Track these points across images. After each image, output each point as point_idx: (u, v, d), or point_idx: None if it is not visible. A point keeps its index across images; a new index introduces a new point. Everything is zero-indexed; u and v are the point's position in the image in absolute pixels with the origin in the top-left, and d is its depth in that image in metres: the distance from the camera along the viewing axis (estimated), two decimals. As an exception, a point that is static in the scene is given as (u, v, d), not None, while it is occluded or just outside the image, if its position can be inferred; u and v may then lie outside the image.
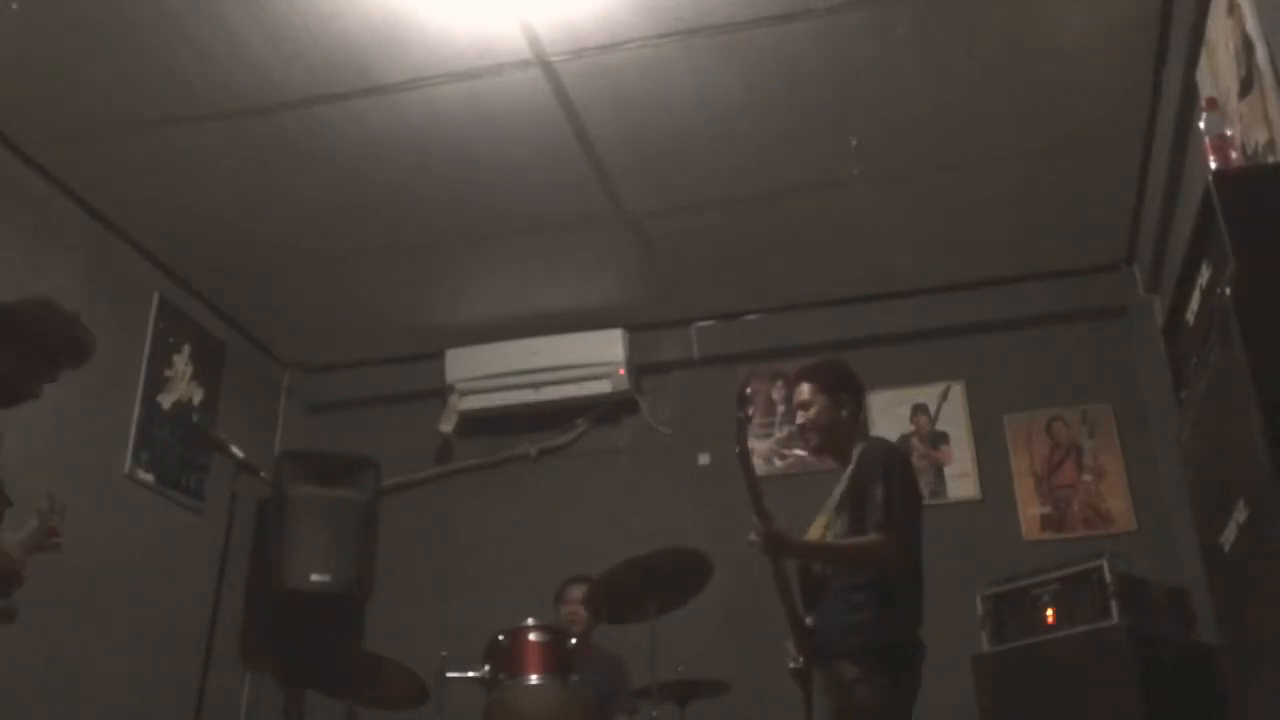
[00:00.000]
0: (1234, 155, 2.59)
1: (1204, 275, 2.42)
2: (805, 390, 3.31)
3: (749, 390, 3.15)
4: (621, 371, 5.47)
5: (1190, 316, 2.58)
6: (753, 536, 3.03)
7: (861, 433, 3.33)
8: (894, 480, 3.04)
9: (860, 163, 4.36)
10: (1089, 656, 3.77)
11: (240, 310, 5.52)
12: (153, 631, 4.62)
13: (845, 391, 3.30)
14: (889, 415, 5.24)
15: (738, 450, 3.08)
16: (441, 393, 5.66)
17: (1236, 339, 2.15)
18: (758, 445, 5.38)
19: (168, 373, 5.04)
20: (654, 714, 3.95)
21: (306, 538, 5.01)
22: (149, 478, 4.83)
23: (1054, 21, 3.81)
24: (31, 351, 3.08)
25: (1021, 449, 5.15)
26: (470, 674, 4.10)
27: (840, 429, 3.27)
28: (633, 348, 5.56)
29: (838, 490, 3.20)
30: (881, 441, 3.30)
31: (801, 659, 3.06)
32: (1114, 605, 3.79)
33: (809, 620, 3.07)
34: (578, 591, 4.57)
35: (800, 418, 3.32)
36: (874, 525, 2.99)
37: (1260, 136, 2.97)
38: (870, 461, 3.12)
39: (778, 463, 5.38)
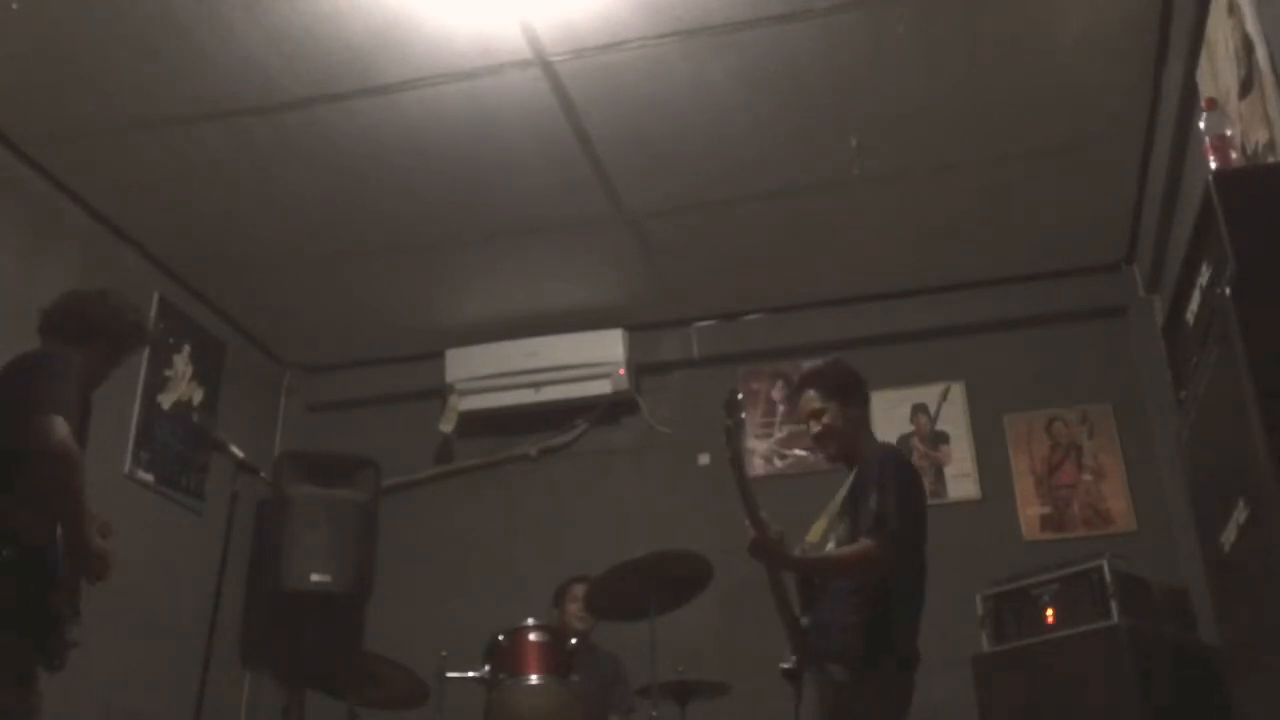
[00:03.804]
0: (1234, 155, 2.59)
1: (1204, 275, 2.42)
2: (813, 398, 3.28)
3: (739, 397, 3.12)
4: (621, 371, 5.47)
5: (1190, 316, 2.57)
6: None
7: (867, 435, 3.32)
8: (890, 486, 3.02)
9: (860, 163, 4.36)
10: (1089, 656, 3.77)
11: (240, 310, 5.52)
12: (153, 632, 4.62)
13: (852, 393, 3.29)
14: (889, 415, 5.23)
15: (729, 457, 3.07)
16: (441, 393, 5.66)
17: (1236, 339, 2.15)
18: (758, 445, 5.39)
19: (168, 373, 5.04)
20: (654, 714, 3.95)
21: (306, 538, 5.01)
22: (149, 478, 4.83)
23: (1054, 21, 3.81)
24: (101, 341, 3.22)
25: (1021, 449, 5.15)
26: (470, 674, 4.11)
27: (851, 432, 3.26)
28: (633, 348, 5.56)
29: (841, 493, 3.19)
30: (884, 446, 3.29)
31: (795, 659, 3.05)
32: (1114, 605, 3.79)
33: (804, 621, 3.07)
34: (580, 590, 4.58)
35: (814, 427, 3.28)
36: (865, 531, 2.98)
37: (1260, 136, 2.97)
38: (871, 467, 3.11)
39: (778, 462, 5.38)
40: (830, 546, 3.13)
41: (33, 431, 2.82)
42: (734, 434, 3.07)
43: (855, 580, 3.00)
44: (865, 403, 3.32)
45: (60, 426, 2.83)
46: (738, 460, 3.08)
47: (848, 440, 3.25)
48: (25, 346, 4.25)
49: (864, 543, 2.96)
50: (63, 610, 2.94)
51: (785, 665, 3.07)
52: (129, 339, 3.35)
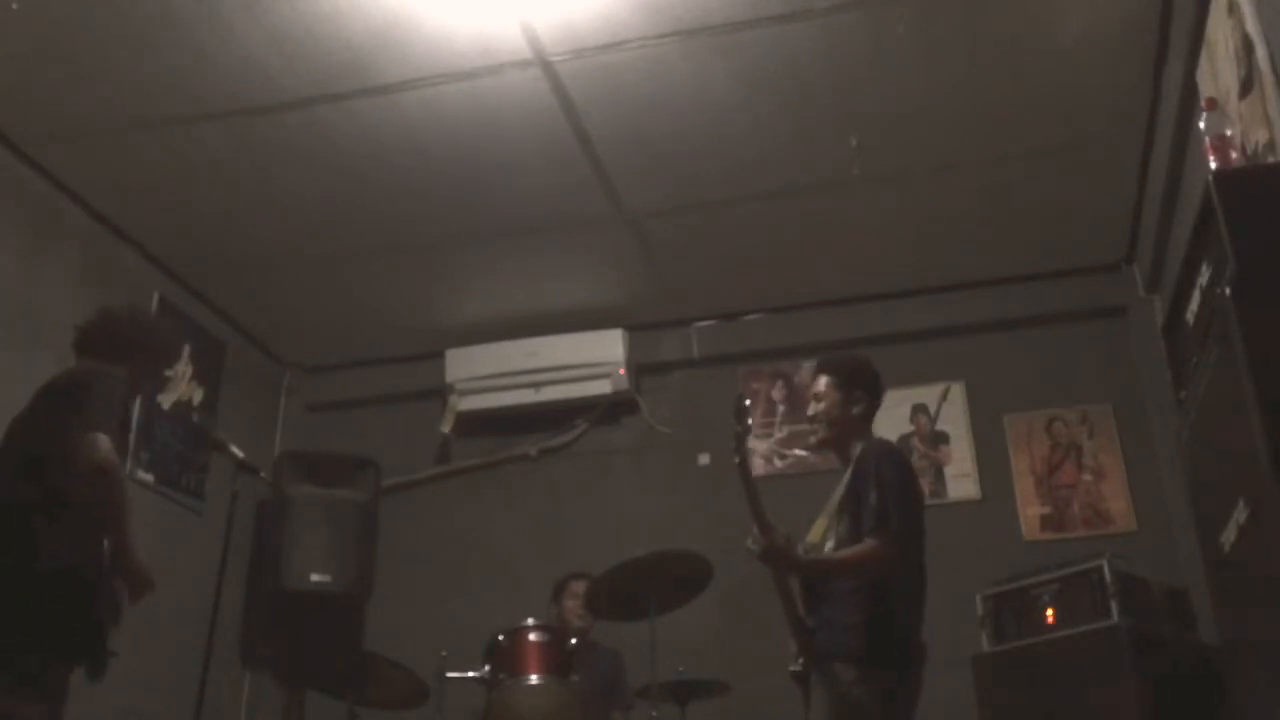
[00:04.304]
0: (1234, 155, 2.59)
1: (1204, 275, 2.42)
2: (822, 382, 3.30)
3: (747, 403, 3.13)
4: (621, 371, 5.47)
5: (1190, 316, 2.57)
6: (750, 544, 3.03)
7: (864, 433, 3.32)
8: (888, 482, 3.02)
9: (860, 163, 4.36)
10: (1089, 656, 3.77)
11: (240, 310, 5.52)
12: (153, 632, 4.61)
13: (861, 389, 3.28)
14: (889, 415, 5.16)
15: (737, 461, 3.07)
16: (441, 393, 5.66)
17: (1236, 339, 2.15)
18: (758, 445, 5.38)
19: (167, 373, 5.04)
20: (654, 714, 3.95)
21: (306, 538, 5.01)
22: (149, 478, 4.83)
23: (1054, 21, 3.82)
24: (136, 357, 3.30)
25: (1021, 449, 5.15)
26: (470, 674, 4.11)
27: (848, 426, 3.25)
28: (633, 348, 5.56)
29: (838, 491, 3.20)
30: (879, 442, 3.28)
31: (802, 661, 3.06)
32: (1114, 605, 3.79)
33: (810, 622, 3.07)
34: (580, 587, 4.57)
35: (811, 408, 3.32)
36: (868, 530, 2.98)
37: (1260, 136, 2.97)
38: (866, 463, 3.11)
39: (778, 462, 5.38)
40: (830, 545, 3.13)
41: (76, 449, 2.89)
42: (742, 440, 3.08)
43: (858, 579, 3.00)
44: (872, 404, 3.31)
45: (104, 444, 2.90)
46: (745, 465, 3.08)
47: (840, 431, 3.26)
48: (25, 346, 4.27)
49: (868, 542, 2.96)
50: (105, 621, 3.02)
51: (794, 667, 3.07)
52: (161, 354, 3.49)
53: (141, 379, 3.39)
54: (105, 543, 3.02)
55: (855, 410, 3.26)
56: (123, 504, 2.98)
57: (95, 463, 2.88)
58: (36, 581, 2.89)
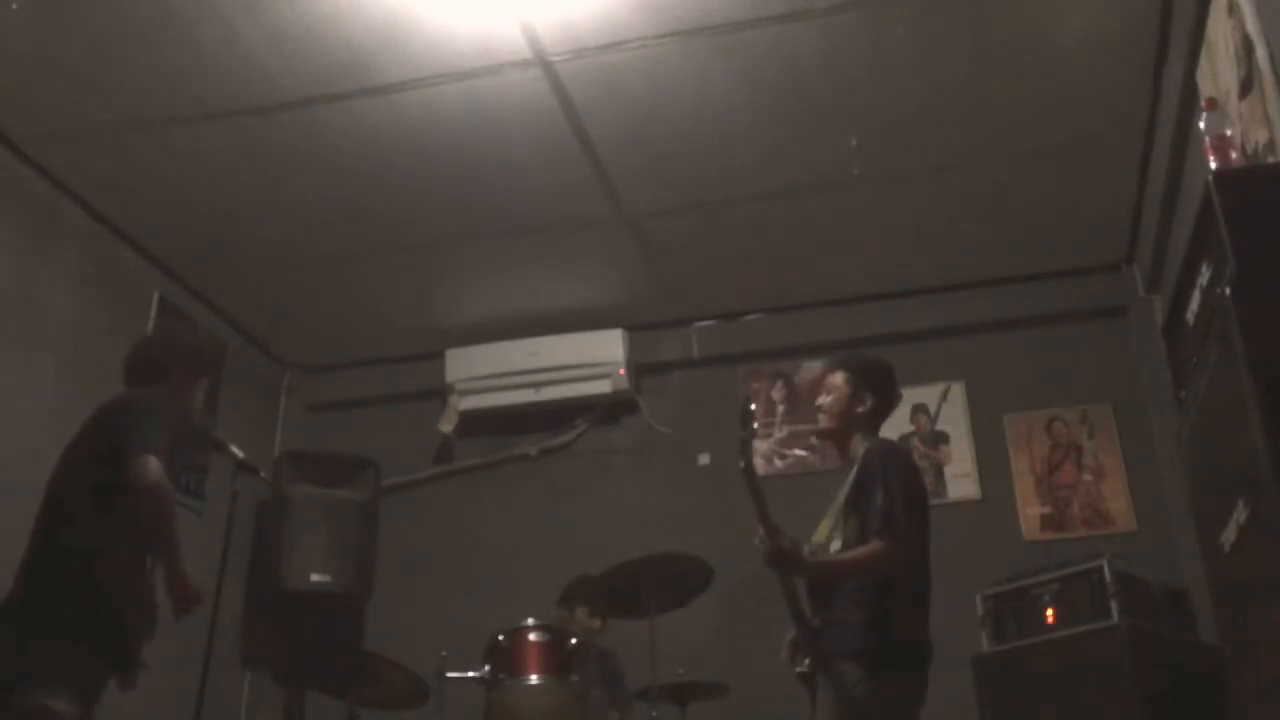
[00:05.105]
0: (1234, 155, 2.59)
1: (1204, 275, 2.42)
2: (836, 377, 3.31)
3: (752, 407, 3.13)
4: (621, 371, 5.47)
5: (1190, 316, 2.58)
6: (758, 544, 3.03)
7: (868, 433, 3.31)
8: (894, 482, 3.02)
9: (860, 163, 4.37)
10: (1089, 656, 3.77)
11: (240, 310, 5.52)
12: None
13: (869, 391, 3.27)
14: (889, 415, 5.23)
15: (742, 465, 3.06)
16: (441, 393, 5.67)
17: (1236, 339, 2.15)
18: (758, 445, 5.38)
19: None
20: (654, 714, 3.95)
21: (306, 538, 5.01)
22: (149, 478, 4.82)
23: (1054, 21, 3.82)
24: (173, 374, 3.40)
25: (1021, 449, 5.15)
26: (470, 674, 4.11)
27: (851, 422, 3.25)
28: (633, 348, 5.57)
29: (843, 492, 3.19)
30: (884, 442, 3.28)
31: (807, 662, 3.05)
32: (1114, 605, 3.79)
33: (815, 622, 3.07)
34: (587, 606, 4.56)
35: (820, 399, 3.33)
36: (874, 531, 2.98)
37: (1260, 136, 2.98)
38: (872, 463, 3.11)
39: (778, 463, 5.38)
40: (836, 545, 3.13)
41: (130, 470, 2.99)
42: (747, 445, 3.07)
43: (864, 579, 3.00)
44: (879, 406, 3.30)
45: (154, 465, 3.01)
46: (750, 470, 3.08)
47: (840, 426, 3.26)
48: (25, 346, 4.28)
49: (875, 543, 2.96)
50: (141, 634, 3.14)
51: (800, 669, 3.06)
52: (194, 363, 3.54)
53: (188, 390, 3.47)
54: (149, 559, 3.16)
55: (859, 410, 3.26)
56: (172, 522, 3.09)
57: (145, 482, 2.99)
58: (82, 593, 3.00)
